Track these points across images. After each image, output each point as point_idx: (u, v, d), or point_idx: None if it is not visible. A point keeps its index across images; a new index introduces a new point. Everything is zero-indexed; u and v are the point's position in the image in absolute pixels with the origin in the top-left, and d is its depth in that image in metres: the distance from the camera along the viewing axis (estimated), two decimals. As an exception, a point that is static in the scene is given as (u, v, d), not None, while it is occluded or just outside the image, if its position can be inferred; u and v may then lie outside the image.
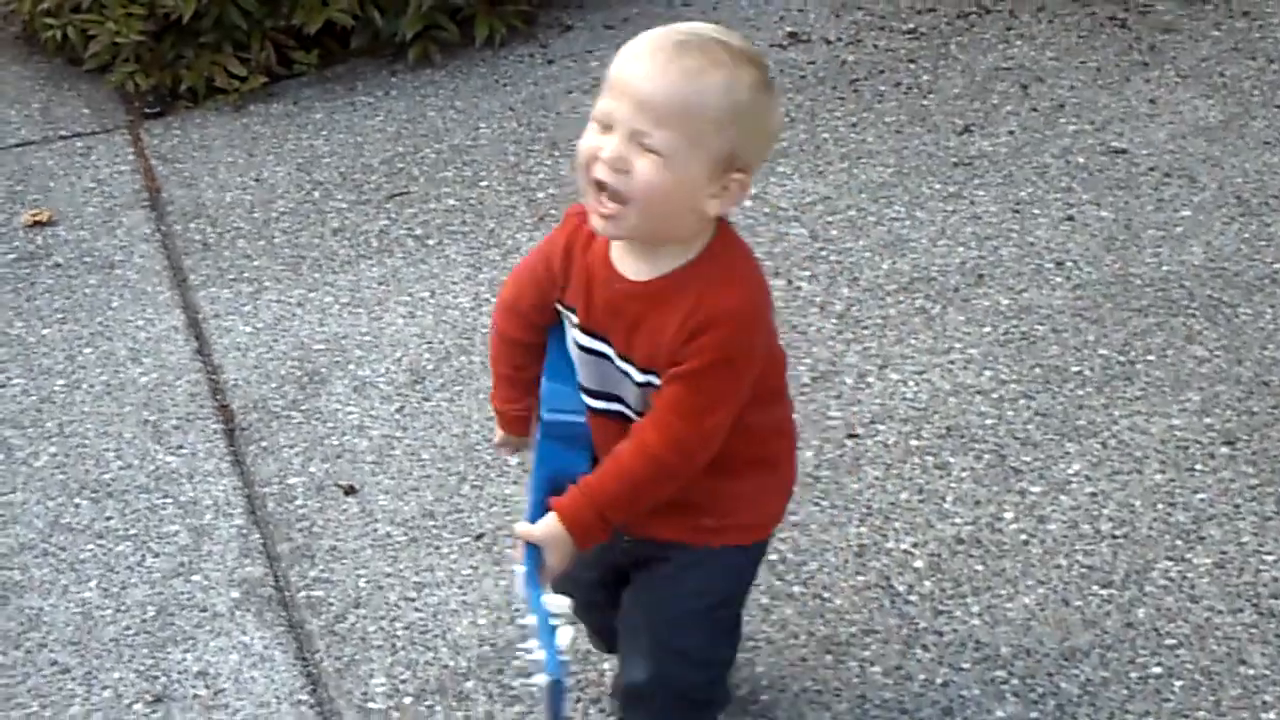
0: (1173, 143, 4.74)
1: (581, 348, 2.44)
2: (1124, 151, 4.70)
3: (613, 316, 2.38)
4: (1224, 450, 3.48)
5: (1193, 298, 3.99)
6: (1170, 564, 3.19)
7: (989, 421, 3.58)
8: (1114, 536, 3.26)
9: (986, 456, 3.48)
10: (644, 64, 2.23)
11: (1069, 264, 4.15)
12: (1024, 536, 3.27)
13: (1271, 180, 4.53)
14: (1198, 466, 3.44)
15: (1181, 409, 3.61)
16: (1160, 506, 3.33)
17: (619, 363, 2.40)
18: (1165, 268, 4.12)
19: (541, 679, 2.29)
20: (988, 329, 3.91)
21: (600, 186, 2.26)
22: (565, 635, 2.30)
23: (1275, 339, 3.83)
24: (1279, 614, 3.06)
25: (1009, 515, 3.33)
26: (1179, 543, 3.24)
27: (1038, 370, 3.75)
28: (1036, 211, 4.41)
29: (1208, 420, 3.57)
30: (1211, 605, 3.09)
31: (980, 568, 3.21)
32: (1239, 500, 3.34)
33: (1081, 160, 4.66)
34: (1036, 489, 3.39)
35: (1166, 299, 3.99)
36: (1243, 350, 3.79)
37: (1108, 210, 4.39)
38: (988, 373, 3.75)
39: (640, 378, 2.38)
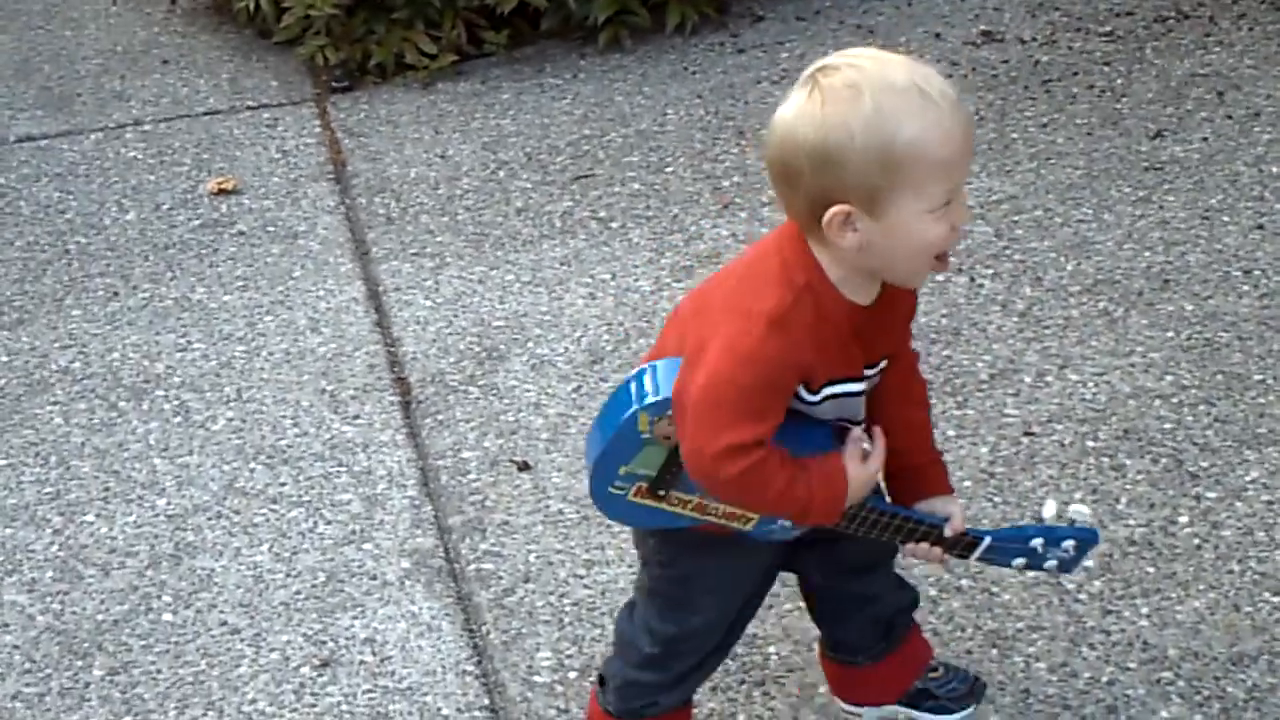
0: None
1: (834, 396, 2.36)
2: (1316, 160, 4.63)
3: (869, 345, 2.37)
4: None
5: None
6: (1336, 569, 3.15)
7: (1167, 426, 3.55)
8: (1293, 542, 3.23)
9: (1163, 460, 3.45)
10: (962, 128, 2.18)
11: (1256, 272, 4.10)
12: (1197, 541, 3.24)
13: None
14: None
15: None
16: (1339, 511, 3.30)
17: (860, 385, 2.37)
18: (1343, 276, 4.06)
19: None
20: (1170, 334, 3.87)
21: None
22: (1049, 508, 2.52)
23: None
24: None
25: (1183, 519, 3.30)
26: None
27: (1220, 377, 3.70)
28: (1226, 219, 4.35)
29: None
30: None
31: (1151, 570, 3.18)
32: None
33: (1275, 169, 4.59)
34: (1212, 494, 3.36)
35: (1343, 311, 3.94)
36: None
37: (1323, 216, 4.33)
38: (1169, 377, 3.71)
39: (873, 372, 2.39)
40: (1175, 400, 3.63)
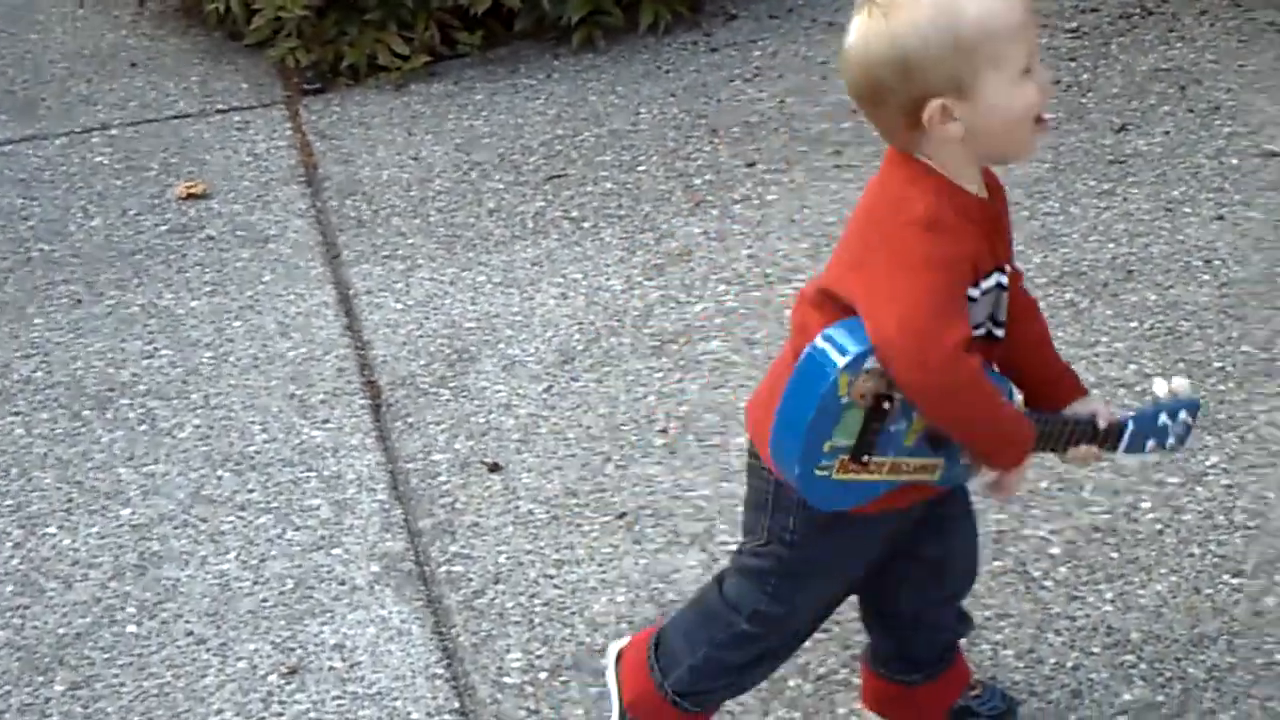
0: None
1: (990, 289, 2.39)
2: (1277, 154, 4.66)
3: (1003, 238, 2.42)
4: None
5: (1333, 296, 3.98)
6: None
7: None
8: (1247, 527, 3.26)
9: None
10: None
11: (1217, 262, 4.14)
12: (1159, 526, 3.28)
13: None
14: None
15: (1323, 406, 3.60)
16: (1300, 495, 3.33)
17: (1005, 277, 2.41)
18: (1344, 263, 4.10)
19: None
20: (1134, 324, 3.90)
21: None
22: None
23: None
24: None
25: (1146, 505, 3.34)
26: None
27: (1181, 365, 3.74)
28: (1188, 210, 4.39)
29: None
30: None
31: (1115, 555, 3.22)
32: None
33: (1235, 162, 4.63)
34: (1174, 480, 3.40)
35: (1314, 299, 3.97)
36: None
37: (1258, 211, 4.37)
38: (1132, 366, 3.75)
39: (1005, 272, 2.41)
40: (1139, 389, 3.66)
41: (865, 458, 2.35)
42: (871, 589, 2.71)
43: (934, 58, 2.20)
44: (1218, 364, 3.74)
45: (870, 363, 2.27)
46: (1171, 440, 2.60)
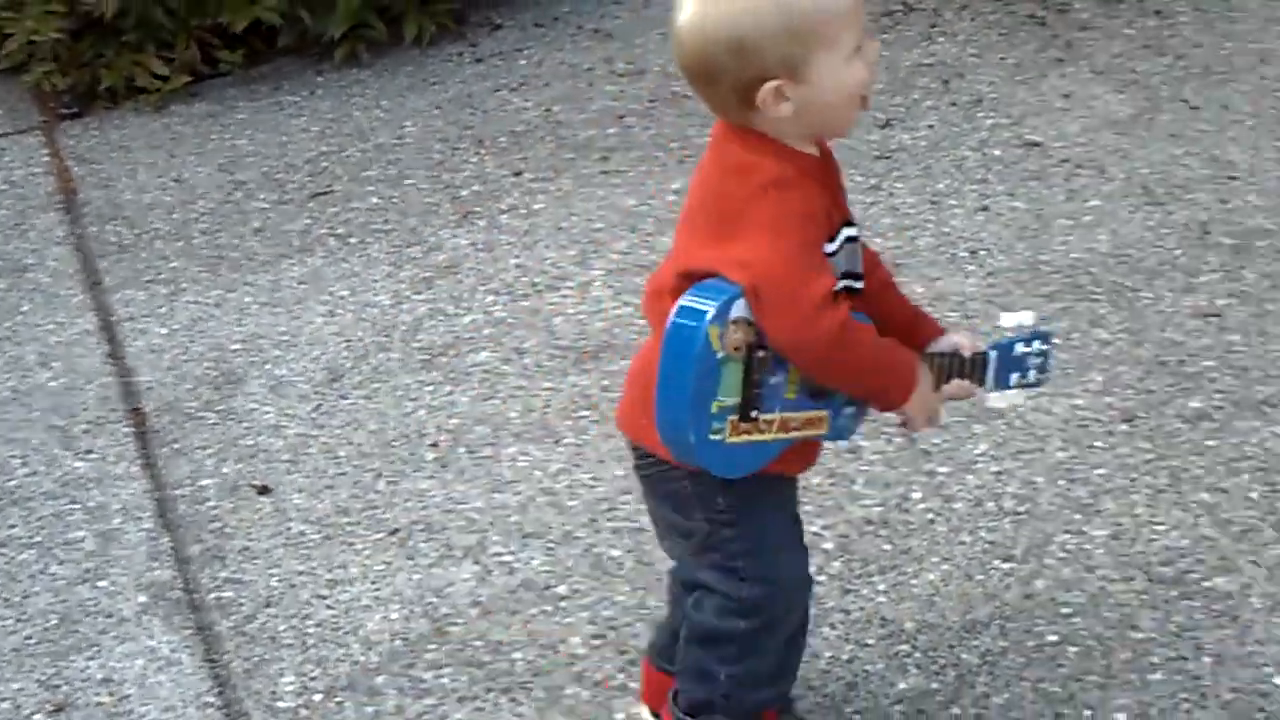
0: (1084, 136, 4.78)
1: (850, 240, 2.43)
2: (1038, 144, 4.74)
3: (843, 194, 2.46)
4: (1123, 427, 3.52)
5: (1098, 283, 4.03)
6: (1068, 537, 3.22)
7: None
8: (1016, 513, 3.29)
9: (897, 439, 3.50)
10: None
11: (982, 253, 4.18)
12: (930, 516, 3.30)
13: (1175, 171, 4.57)
14: (1097, 443, 3.47)
15: (1084, 389, 3.64)
16: (1061, 483, 3.37)
17: (856, 230, 2.44)
18: (1074, 255, 4.16)
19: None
20: (902, 316, 3.92)
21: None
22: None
23: (1174, 321, 3.87)
24: (1168, 580, 3.09)
25: (917, 495, 3.36)
26: (1077, 516, 3.27)
27: (948, 357, 3.76)
28: (953, 203, 4.44)
29: (1108, 399, 3.61)
30: (1106, 575, 3.12)
31: (888, 547, 3.24)
32: (1134, 474, 3.38)
33: (998, 153, 4.70)
34: (944, 469, 3.42)
35: (1074, 285, 4.03)
36: (1143, 333, 3.83)
37: (1021, 201, 4.43)
38: (900, 358, 3.77)
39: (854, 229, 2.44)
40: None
41: (754, 414, 2.36)
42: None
43: (769, 40, 2.23)
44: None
45: (735, 312, 2.28)
46: (1033, 373, 2.62)
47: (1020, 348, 2.59)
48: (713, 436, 2.34)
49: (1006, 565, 3.16)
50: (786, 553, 2.57)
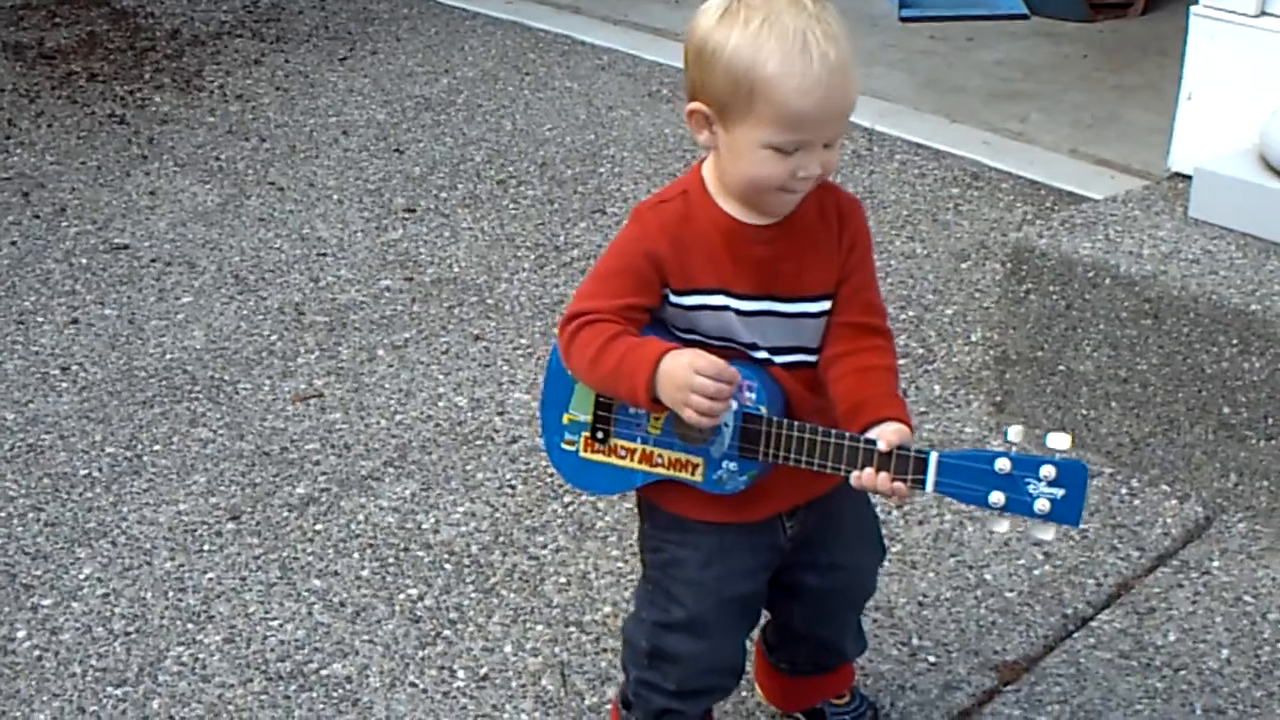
0: (173, 231, 4.74)
1: (746, 313, 2.38)
2: (126, 246, 4.65)
3: (766, 269, 2.39)
4: (230, 526, 3.45)
5: (195, 381, 3.97)
6: (182, 649, 3.12)
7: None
8: (127, 634, 3.17)
9: (-3, 578, 3.33)
10: (824, 91, 2.23)
11: (74, 368, 4.05)
12: (38, 653, 3.13)
13: (265, 256, 4.59)
14: (206, 546, 3.40)
15: (188, 492, 3.56)
16: (171, 594, 3.27)
17: (745, 305, 2.38)
18: (169, 356, 4.08)
19: None
20: (-5, 447, 3.76)
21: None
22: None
23: (274, 409, 3.85)
24: (285, 675, 3.05)
25: (22, 634, 3.18)
26: (190, 626, 3.18)
27: (46, 480, 3.61)
28: (41, 319, 4.29)
29: (214, 499, 3.54)
30: (223, 681, 3.04)
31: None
32: (245, 573, 3.32)
33: (85, 261, 4.58)
34: (49, 601, 3.26)
35: (171, 386, 3.95)
36: (244, 425, 3.79)
37: (112, 308, 4.32)
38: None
39: (818, 308, 2.41)
40: (4, 512, 3.51)
41: (604, 436, 2.45)
42: (770, 610, 2.73)
43: (719, 73, 2.25)
44: (84, 472, 3.64)
45: None
46: (1041, 503, 2.23)
47: (1002, 464, 2.23)
48: (565, 446, 2.48)
49: (120, 690, 3.03)
50: (682, 604, 2.53)
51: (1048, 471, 2.22)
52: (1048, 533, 2.25)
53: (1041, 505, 2.22)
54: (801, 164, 2.28)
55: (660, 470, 2.45)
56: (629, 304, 2.37)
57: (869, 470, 2.30)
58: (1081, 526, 3.31)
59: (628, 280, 2.38)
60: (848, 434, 2.32)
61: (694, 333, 2.40)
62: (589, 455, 2.50)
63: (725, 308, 2.38)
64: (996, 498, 2.24)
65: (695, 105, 2.33)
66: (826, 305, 2.43)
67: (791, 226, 2.39)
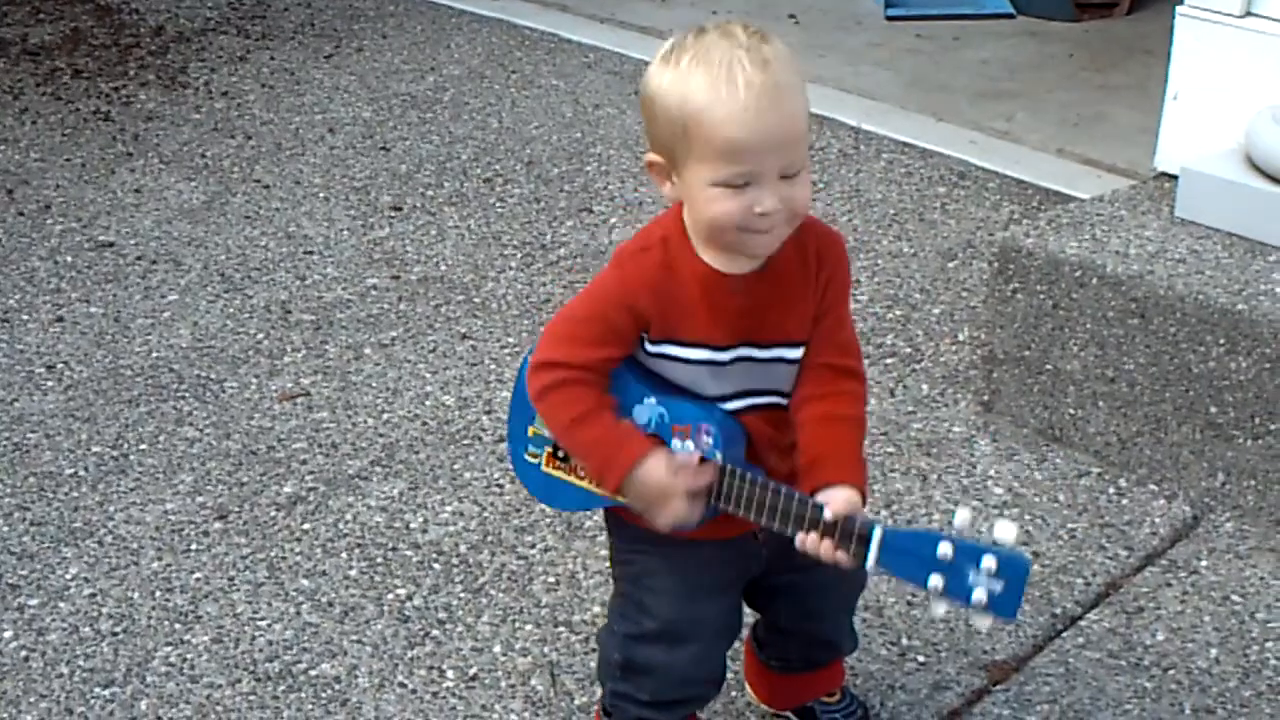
0: (159, 229, 4.73)
1: (723, 363, 2.36)
2: (112, 244, 4.64)
3: (742, 320, 2.36)
4: (217, 526, 3.44)
5: (182, 380, 3.96)
6: (170, 649, 3.11)
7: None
8: (114, 634, 3.15)
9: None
10: (758, 118, 2.18)
11: (60, 366, 4.04)
12: (25, 653, 3.11)
13: (251, 254, 4.58)
14: (193, 546, 3.39)
15: (175, 492, 3.55)
16: (159, 594, 3.25)
17: (720, 355, 2.36)
18: (155, 354, 4.07)
19: None
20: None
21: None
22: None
23: (260, 408, 3.84)
24: (274, 676, 3.04)
25: (9, 634, 3.16)
26: (178, 626, 3.17)
27: (31, 480, 3.60)
28: (26, 317, 4.27)
29: (200, 499, 3.53)
30: (211, 681, 3.03)
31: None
32: (233, 572, 3.31)
33: (70, 259, 4.57)
34: (35, 601, 3.24)
35: (157, 385, 3.94)
36: (231, 424, 3.78)
37: (97, 305, 4.31)
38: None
39: (795, 353, 2.39)
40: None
41: (566, 455, 2.47)
42: (756, 609, 2.74)
43: (659, 119, 2.24)
44: (69, 471, 3.63)
45: None
46: (979, 594, 2.18)
47: (944, 548, 2.19)
48: (528, 458, 2.50)
49: (108, 691, 3.01)
50: (653, 616, 2.52)
51: (989, 563, 2.17)
52: (984, 622, 2.22)
53: (979, 596, 2.18)
54: (755, 199, 2.22)
55: (621, 498, 2.43)
56: (603, 357, 2.37)
57: (814, 534, 2.28)
58: (1070, 526, 3.33)
59: (604, 331, 2.37)
60: (797, 495, 2.31)
61: (661, 375, 2.40)
62: (551, 471, 2.51)
63: (703, 361, 2.37)
64: (936, 581, 2.20)
65: (650, 157, 2.32)
66: (802, 352, 2.42)
67: (771, 274, 2.36)
